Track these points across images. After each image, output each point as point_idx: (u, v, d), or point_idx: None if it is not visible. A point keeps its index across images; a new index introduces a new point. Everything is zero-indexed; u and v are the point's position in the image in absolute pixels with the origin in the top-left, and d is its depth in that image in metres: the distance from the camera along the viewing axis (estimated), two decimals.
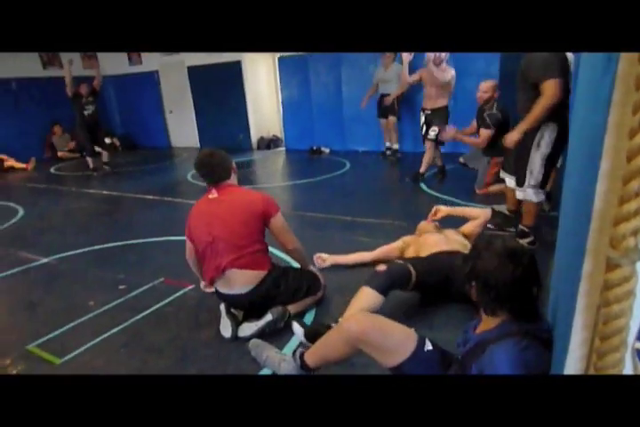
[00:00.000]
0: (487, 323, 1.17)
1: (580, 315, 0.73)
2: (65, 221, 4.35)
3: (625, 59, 0.59)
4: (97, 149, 6.47)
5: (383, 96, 5.90)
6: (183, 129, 8.85)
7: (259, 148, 8.14)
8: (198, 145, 8.76)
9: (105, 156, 6.52)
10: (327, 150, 7.22)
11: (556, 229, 1.78)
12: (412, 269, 2.06)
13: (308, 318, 2.18)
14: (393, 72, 5.81)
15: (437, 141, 4.50)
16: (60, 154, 8.24)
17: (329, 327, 1.79)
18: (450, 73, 4.44)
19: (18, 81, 7.98)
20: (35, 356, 1.99)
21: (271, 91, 8.46)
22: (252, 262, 2.00)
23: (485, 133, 3.77)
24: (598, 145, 0.67)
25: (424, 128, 4.62)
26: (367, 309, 1.87)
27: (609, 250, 0.64)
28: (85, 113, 6.12)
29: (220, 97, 8.11)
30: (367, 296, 1.94)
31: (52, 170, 7.32)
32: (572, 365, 0.75)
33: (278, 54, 7.58)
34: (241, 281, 2.01)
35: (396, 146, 6.18)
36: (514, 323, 1.11)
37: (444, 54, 4.28)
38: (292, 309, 2.10)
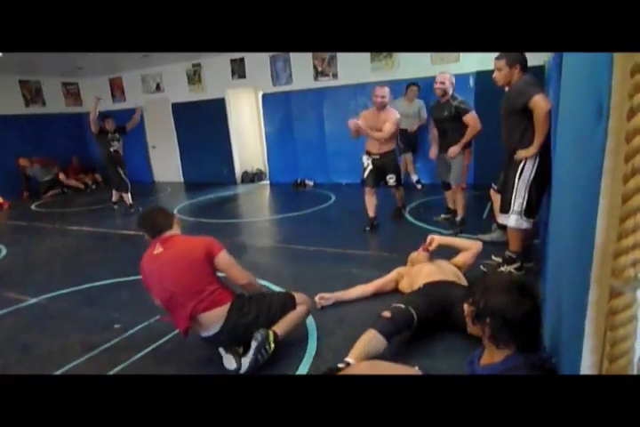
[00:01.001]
0: (492, 355, 1.22)
1: (588, 339, 0.80)
2: (50, 259, 4.29)
3: (615, 116, 0.70)
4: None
5: (402, 131, 5.75)
6: (166, 164, 8.91)
7: (243, 181, 8.24)
8: (182, 179, 8.81)
9: (115, 195, 6.43)
10: (311, 183, 7.36)
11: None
12: (413, 312, 2.14)
13: (310, 351, 2.19)
14: (416, 107, 5.94)
15: (399, 185, 4.38)
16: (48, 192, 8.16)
17: (339, 370, 1.81)
18: (393, 116, 4.11)
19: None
20: None
21: (254, 126, 8.66)
22: (213, 302, 2.05)
23: (471, 117, 3.79)
24: (594, 187, 0.76)
25: (368, 172, 4.31)
26: (371, 352, 1.95)
27: (612, 280, 0.72)
28: (111, 149, 6.06)
29: (203, 132, 8.25)
30: (372, 340, 2.00)
31: (32, 207, 7.22)
32: None
33: (261, 91, 7.82)
34: (211, 321, 2.06)
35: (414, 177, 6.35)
36: (520, 355, 1.16)
37: (386, 99, 4.07)
38: (277, 329, 2.11)
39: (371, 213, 4.39)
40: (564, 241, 1.13)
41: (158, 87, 8.57)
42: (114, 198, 6.39)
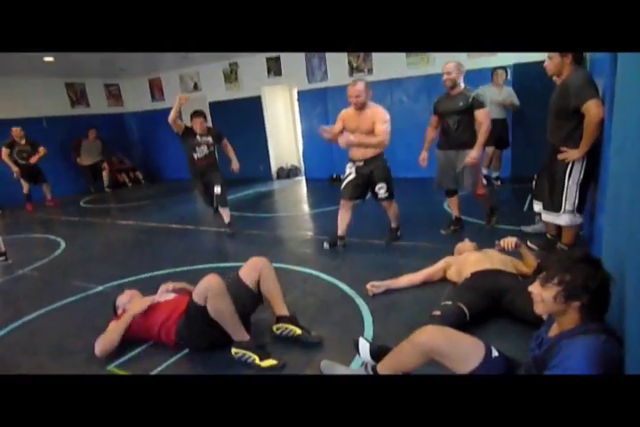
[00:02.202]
0: (563, 325, 1.31)
1: None
2: (108, 251, 4.56)
3: None
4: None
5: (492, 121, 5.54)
6: None
7: (278, 177, 8.42)
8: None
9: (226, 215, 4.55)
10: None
11: None
12: (464, 307, 2.22)
13: (368, 334, 2.32)
14: (506, 93, 5.41)
15: (391, 197, 3.67)
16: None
17: (389, 349, 1.91)
18: (379, 113, 3.44)
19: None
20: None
21: (289, 123, 8.82)
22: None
23: (485, 113, 3.49)
24: None
25: (348, 181, 3.65)
26: None
27: None
28: (195, 156, 4.30)
29: (240, 130, 8.45)
30: None
31: (81, 203, 7.59)
32: None
33: (296, 88, 7.96)
34: None
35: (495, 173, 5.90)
36: (592, 322, 1.25)
37: (361, 98, 3.37)
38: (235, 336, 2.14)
39: (340, 231, 3.74)
40: (630, 218, 1.21)
41: (196, 86, 8.83)
42: (225, 219, 4.51)
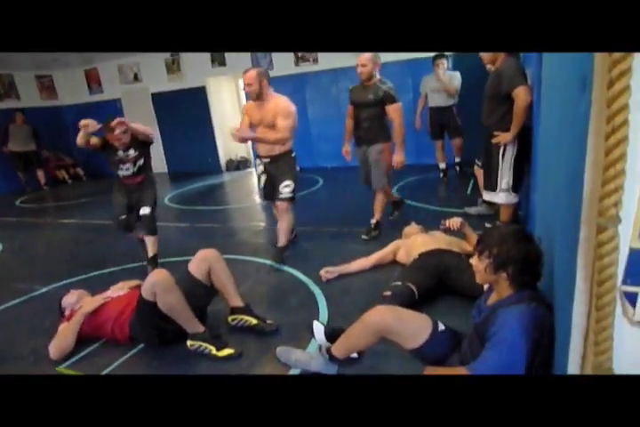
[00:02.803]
0: (500, 293, 1.42)
1: (580, 270, 0.99)
2: (49, 251, 4.34)
3: (597, 86, 0.87)
4: None
5: (435, 110, 5.21)
6: None
7: (228, 169, 8.30)
8: (166, 170, 8.81)
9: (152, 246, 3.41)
10: (297, 168, 7.47)
11: None
12: (412, 286, 2.33)
13: (323, 318, 2.38)
14: (447, 80, 5.07)
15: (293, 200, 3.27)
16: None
17: (343, 331, 1.98)
18: (281, 105, 3.05)
19: None
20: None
21: (236, 114, 8.67)
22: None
23: (396, 108, 3.32)
24: (581, 145, 0.94)
25: (264, 182, 3.33)
26: None
27: (598, 219, 0.90)
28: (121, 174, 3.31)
29: (185, 122, 8.25)
30: None
31: (17, 202, 7.16)
32: (578, 309, 1.00)
33: (241, 78, 7.84)
34: None
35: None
36: (525, 290, 1.36)
37: (254, 87, 3.03)
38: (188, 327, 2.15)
39: (282, 241, 3.33)
40: (556, 195, 1.32)
41: (136, 77, 8.48)
42: (150, 251, 3.33)
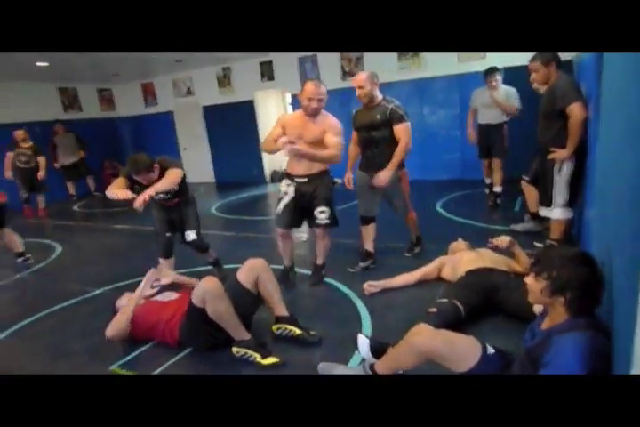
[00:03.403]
0: (554, 318, 1.37)
1: None
2: (103, 255, 4.57)
3: None
4: None
5: (485, 127, 4.85)
6: (198, 165, 9.20)
7: (272, 181, 8.47)
8: (214, 180, 9.10)
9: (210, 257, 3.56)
10: (339, 181, 7.52)
11: None
12: (459, 304, 2.28)
13: (366, 332, 2.37)
14: (503, 95, 4.65)
15: (333, 225, 3.01)
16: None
17: (388, 346, 1.96)
18: (332, 122, 2.89)
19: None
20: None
21: None
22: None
23: (404, 128, 3.05)
24: None
25: (285, 205, 2.99)
26: None
27: None
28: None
29: (233, 134, 8.51)
30: None
31: (74, 208, 7.57)
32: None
33: (289, 92, 8.05)
34: None
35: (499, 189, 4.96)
36: (580, 317, 1.31)
37: (323, 103, 2.82)
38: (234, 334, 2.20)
39: (287, 261, 3.17)
40: (618, 213, 1.27)
41: (189, 91, 8.87)
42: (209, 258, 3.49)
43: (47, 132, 8.26)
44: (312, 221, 3.00)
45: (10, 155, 6.62)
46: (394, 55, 6.77)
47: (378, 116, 3.03)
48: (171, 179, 2.87)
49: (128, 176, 2.93)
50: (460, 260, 2.76)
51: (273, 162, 8.58)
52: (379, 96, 3.07)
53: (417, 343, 1.66)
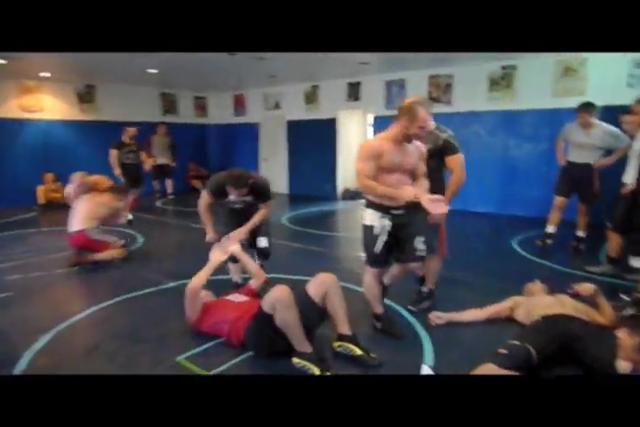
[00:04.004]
0: None
1: None
2: (179, 250, 4.87)
3: None
4: None
5: (575, 165, 4.42)
6: (275, 176, 9.52)
7: (343, 198, 8.57)
8: (287, 191, 9.38)
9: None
10: None
11: None
12: (531, 349, 2.15)
13: (428, 363, 2.32)
14: (597, 136, 4.23)
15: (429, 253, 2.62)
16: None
17: None
18: (423, 148, 2.57)
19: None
20: (185, 368, 2.28)
21: None
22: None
23: (458, 159, 2.84)
24: None
25: (384, 241, 2.51)
26: None
27: None
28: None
29: (312, 149, 8.76)
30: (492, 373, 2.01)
31: (157, 204, 8.12)
32: None
33: (371, 114, 8.17)
34: None
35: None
36: None
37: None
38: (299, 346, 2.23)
39: (378, 309, 2.75)
40: None
41: (277, 105, 9.27)
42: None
43: (144, 133, 9.00)
44: (404, 256, 2.58)
45: (115, 153, 7.09)
46: (484, 84, 6.67)
47: (430, 145, 2.74)
48: (262, 215, 3.26)
49: (213, 192, 3.26)
50: (538, 303, 2.63)
51: (346, 180, 8.71)
52: (431, 122, 2.69)
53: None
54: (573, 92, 5.98)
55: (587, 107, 4.28)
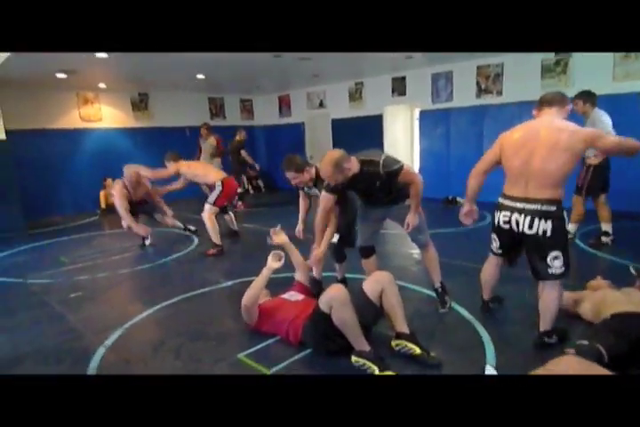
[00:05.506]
0: None
1: None
2: (232, 250, 4.99)
3: None
4: None
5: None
6: None
7: None
8: None
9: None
10: (462, 201, 7.26)
11: None
12: (602, 350, 2.05)
13: (490, 363, 2.25)
14: (595, 120, 4.11)
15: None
16: None
17: None
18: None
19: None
20: (245, 365, 2.35)
21: (407, 142, 8.87)
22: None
23: (408, 169, 2.67)
24: None
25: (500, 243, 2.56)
26: None
27: None
28: None
29: (358, 147, 8.67)
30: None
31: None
32: None
33: (418, 108, 8.01)
34: None
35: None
36: None
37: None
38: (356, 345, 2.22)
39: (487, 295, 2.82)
40: None
41: (321, 104, 9.31)
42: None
43: (195, 136, 9.29)
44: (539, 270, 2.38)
45: (243, 153, 7.96)
46: (537, 71, 6.38)
47: (377, 184, 2.66)
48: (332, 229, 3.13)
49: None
50: (604, 299, 2.49)
51: None
52: (356, 167, 2.63)
53: (557, 368, 1.56)
54: (636, 75, 5.60)
55: (580, 95, 4.23)
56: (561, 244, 2.28)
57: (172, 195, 5.84)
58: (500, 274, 2.73)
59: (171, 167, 4.88)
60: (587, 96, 4.21)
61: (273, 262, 2.73)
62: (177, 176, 5.04)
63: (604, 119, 4.14)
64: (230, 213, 5.51)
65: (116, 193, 4.91)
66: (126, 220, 4.91)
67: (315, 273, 3.33)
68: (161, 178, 5.16)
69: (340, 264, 3.45)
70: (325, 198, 2.84)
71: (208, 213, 4.80)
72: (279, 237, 3.08)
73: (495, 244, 2.60)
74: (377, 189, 2.71)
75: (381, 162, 2.61)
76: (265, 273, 2.70)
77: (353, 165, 2.61)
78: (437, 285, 3.08)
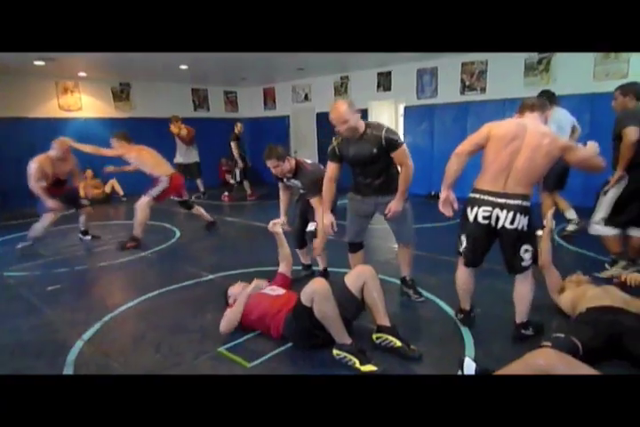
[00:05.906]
0: None
1: None
2: (215, 243, 4.96)
3: None
4: None
5: None
6: None
7: None
8: None
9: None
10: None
11: None
12: (577, 343, 2.08)
13: (469, 355, 2.29)
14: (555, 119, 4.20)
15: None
16: None
17: (493, 371, 1.87)
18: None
19: None
20: (225, 358, 2.34)
21: None
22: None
23: (404, 150, 2.73)
24: None
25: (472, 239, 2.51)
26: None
27: None
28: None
29: None
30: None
31: (192, 198, 8.25)
32: None
33: (402, 104, 8.03)
34: None
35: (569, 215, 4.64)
36: None
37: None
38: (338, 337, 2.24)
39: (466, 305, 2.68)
40: None
41: (306, 97, 9.26)
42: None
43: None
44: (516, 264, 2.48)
45: (235, 144, 8.03)
46: (520, 69, 6.45)
47: (374, 150, 2.68)
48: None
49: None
50: (583, 294, 2.54)
51: None
52: (362, 125, 2.72)
53: (533, 361, 1.59)
54: (616, 75, 5.71)
55: (541, 94, 4.42)
56: (531, 237, 2.39)
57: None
58: (474, 277, 2.68)
59: (117, 148, 4.67)
60: (548, 96, 4.46)
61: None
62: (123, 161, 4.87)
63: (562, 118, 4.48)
64: (195, 206, 5.43)
65: (33, 164, 4.37)
66: (35, 189, 4.36)
67: (320, 265, 3.54)
68: (101, 155, 4.91)
69: (300, 250, 3.59)
70: (330, 167, 2.93)
71: (144, 205, 4.68)
72: (276, 227, 3.13)
73: (465, 244, 2.54)
74: (374, 156, 2.70)
75: (385, 128, 2.74)
76: (242, 299, 2.59)
77: (360, 120, 2.72)
78: (409, 276, 3.16)
